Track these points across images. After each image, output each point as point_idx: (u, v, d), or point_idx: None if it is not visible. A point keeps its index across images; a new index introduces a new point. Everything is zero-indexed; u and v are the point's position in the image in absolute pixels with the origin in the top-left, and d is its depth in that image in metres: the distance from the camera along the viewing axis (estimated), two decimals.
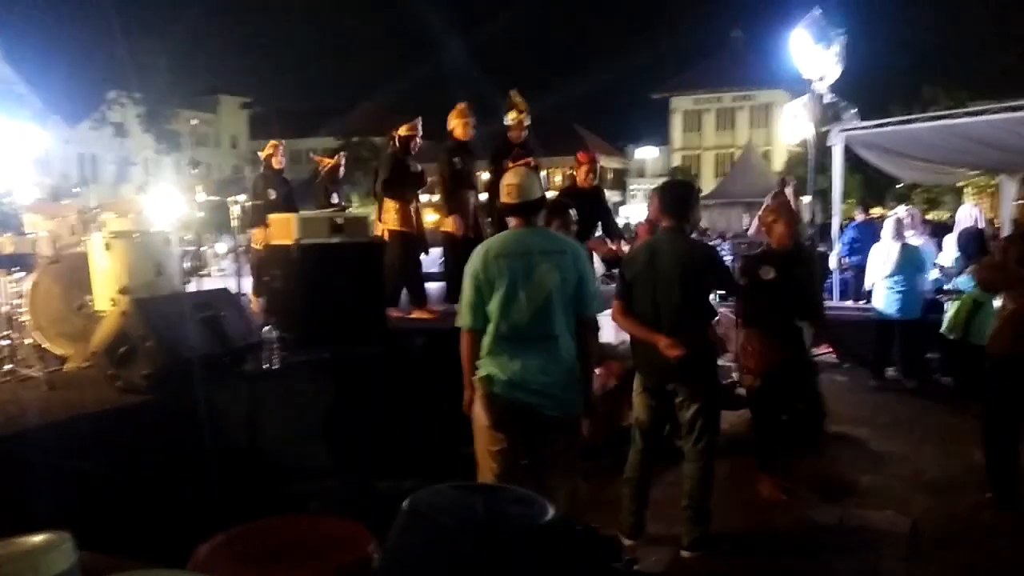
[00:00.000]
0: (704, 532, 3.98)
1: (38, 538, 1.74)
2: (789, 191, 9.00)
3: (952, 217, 9.58)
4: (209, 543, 1.80)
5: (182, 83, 38.52)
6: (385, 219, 6.49)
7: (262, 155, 8.16)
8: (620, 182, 56.35)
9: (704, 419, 3.96)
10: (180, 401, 3.65)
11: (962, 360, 7.54)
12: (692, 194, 4.22)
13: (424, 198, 7.66)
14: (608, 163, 57.35)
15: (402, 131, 6.72)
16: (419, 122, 6.91)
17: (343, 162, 8.63)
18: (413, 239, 6.54)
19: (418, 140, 6.87)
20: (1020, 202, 4.96)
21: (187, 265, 5.51)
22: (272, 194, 7.78)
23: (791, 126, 9.11)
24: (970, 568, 3.88)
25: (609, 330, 5.93)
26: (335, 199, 8.29)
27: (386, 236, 6.33)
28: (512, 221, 3.49)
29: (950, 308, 7.01)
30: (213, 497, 3.31)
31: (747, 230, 15.67)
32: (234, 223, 7.29)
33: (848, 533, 4.26)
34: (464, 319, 3.43)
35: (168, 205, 5.90)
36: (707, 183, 45.33)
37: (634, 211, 46.30)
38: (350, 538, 1.80)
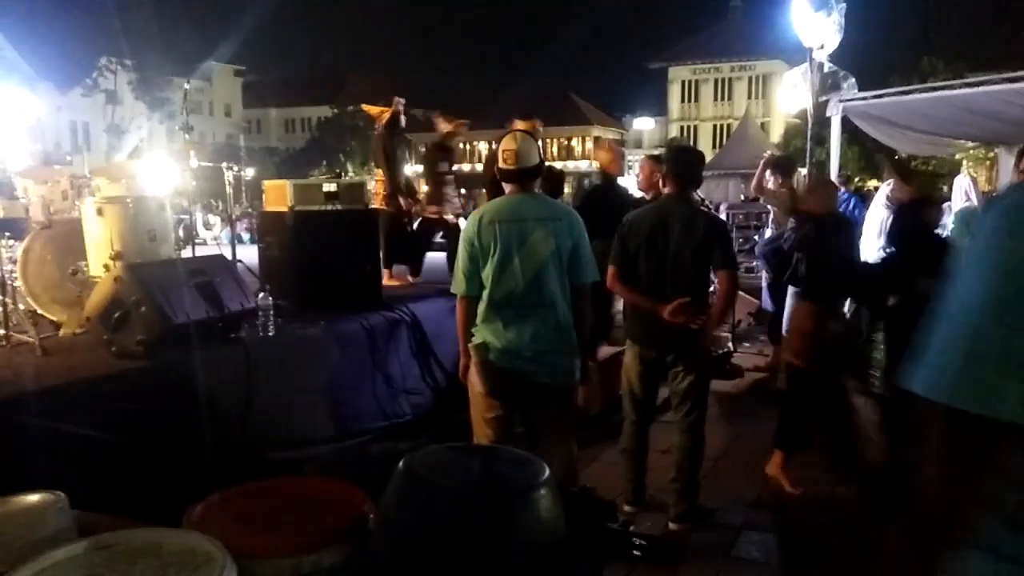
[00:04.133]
0: (691, 505, 3.98)
1: (33, 497, 1.75)
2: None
3: (949, 190, 9.55)
4: (203, 503, 1.80)
5: (175, 50, 38.05)
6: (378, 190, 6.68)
7: (387, 113, 6.99)
8: None
9: (697, 392, 3.95)
10: (174, 366, 3.64)
11: None
12: (702, 163, 4.16)
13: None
14: (605, 134, 57.07)
15: (384, 113, 6.78)
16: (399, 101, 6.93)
17: (402, 108, 7.09)
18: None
19: (402, 117, 6.91)
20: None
21: (181, 232, 5.45)
22: (443, 167, 7.13)
23: (790, 96, 9.03)
24: None
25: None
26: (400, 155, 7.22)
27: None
28: (508, 187, 3.46)
29: None
30: (207, 461, 3.32)
31: (744, 199, 15.62)
32: (228, 191, 7.20)
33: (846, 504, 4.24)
34: (459, 286, 3.42)
35: (161, 171, 5.84)
36: (705, 154, 45.17)
37: (631, 182, 46.12)
38: (345, 499, 1.80)
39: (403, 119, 7.00)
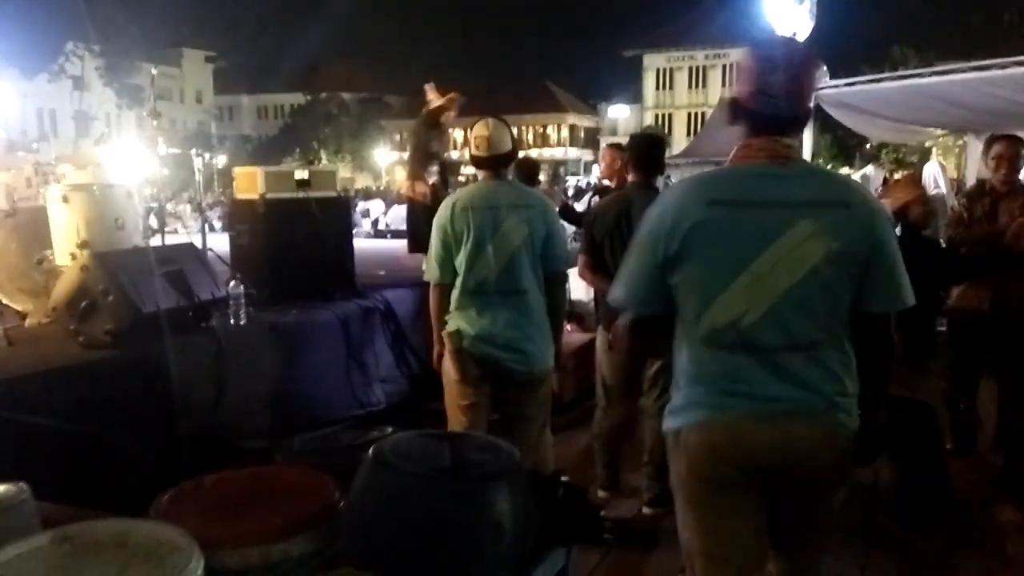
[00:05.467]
0: (663, 489, 4.02)
1: None
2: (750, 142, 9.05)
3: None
4: (171, 492, 1.78)
5: (144, 35, 37.42)
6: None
7: (437, 102, 6.75)
8: (592, 140, 56.20)
9: (668, 376, 3.97)
10: (143, 356, 3.60)
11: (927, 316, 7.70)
12: (661, 147, 4.18)
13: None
14: (580, 121, 57.13)
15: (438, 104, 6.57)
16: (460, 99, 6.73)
17: (457, 107, 6.78)
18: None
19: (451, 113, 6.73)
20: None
21: (151, 220, 5.38)
22: (435, 147, 6.88)
23: None
24: None
25: (581, 287, 5.94)
26: (435, 149, 6.91)
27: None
28: (481, 174, 3.45)
29: None
30: (177, 451, 3.29)
31: None
32: (198, 178, 7.09)
33: None
34: (432, 273, 3.41)
35: (130, 159, 5.75)
36: (679, 142, 45.39)
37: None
38: (315, 487, 1.79)
39: (451, 115, 6.78)
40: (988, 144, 4.71)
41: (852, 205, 1.91)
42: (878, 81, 8.21)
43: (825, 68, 9.04)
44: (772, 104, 1.91)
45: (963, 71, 6.98)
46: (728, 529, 1.99)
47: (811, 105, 2.07)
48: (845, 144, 30.89)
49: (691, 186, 2.08)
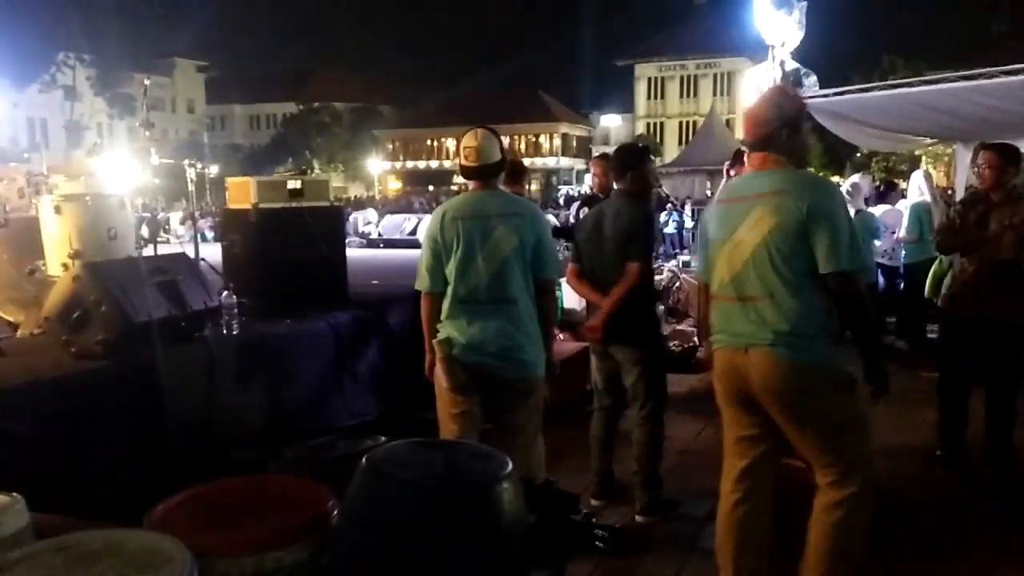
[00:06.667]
0: (653, 497, 4.03)
1: None
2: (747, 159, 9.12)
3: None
4: (165, 502, 1.79)
5: (136, 45, 37.38)
6: None
7: None
8: (584, 150, 56.35)
9: (645, 384, 3.99)
10: (136, 367, 3.59)
11: (918, 324, 7.75)
12: (633, 154, 4.20)
13: None
14: (572, 131, 57.30)
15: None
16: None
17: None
18: None
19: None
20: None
21: (143, 230, 5.37)
22: None
23: (753, 93, 9.17)
24: (917, 521, 4.02)
25: (573, 295, 5.96)
26: None
27: None
28: (471, 184, 3.47)
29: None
30: (170, 462, 3.28)
31: (711, 196, 15.79)
32: (190, 188, 7.07)
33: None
34: (423, 282, 3.43)
35: (122, 169, 5.74)
36: (671, 151, 45.59)
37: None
38: (309, 496, 1.80)
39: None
40: (977, 152, 4.76)
41: (790, 192, 2.65)
42: (868, 90, 8.27)
43: (815, 78, 9.12)
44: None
45: (952, 80, 7.04)
46: (731, 427, 2.96)
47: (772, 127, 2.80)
48: (836, 153, 31.06)
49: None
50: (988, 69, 6.61)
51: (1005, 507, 4.14)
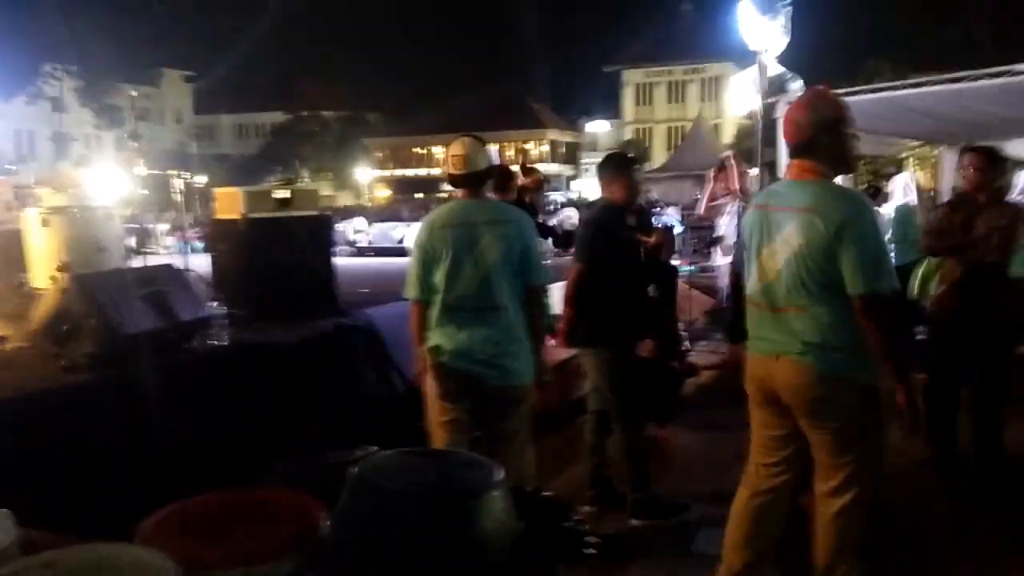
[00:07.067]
0: (640, 498, 4.02)
1: None
2: (732, 163, 9.17)
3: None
4: (154, 516, 1.78)
5: (122, 56, 37.22)
6: None
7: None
8: (572, 156, 56.46)
9: (608, 388, 4.02)
10: (125, 380, 3.58)
11: (905, 325, 7.77)
12: (612, 162, 4.23)
13: None
14: (561, 137, 57.42)
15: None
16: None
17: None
18: None
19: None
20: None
21: (130, 242, 5.35)
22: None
23: (738, 98, 9.21)
24: (904, 526, 4.01)
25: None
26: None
27: None
28: (458, 192, 3.48)
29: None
30: (159, 475, 3.26)
31: (696, 201, 15.83)
32: (178, 199, 7.05)
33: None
34: (411, 290, 3.43)
35: (109, 180, 5.72)
36: (659, 156, 45.72)
37: (586, 185, 46.52)
38: (299, 508, 1.80)
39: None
40: (962, 155, 4.79)
41: (819, 211, 2.66)
42: (853, 94, 8.32)
43: (801, 82, 9.17)
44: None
45: (936, 83, 7.08)
46: (761, 428, 2.99)
47: (810, 133, 2.76)
48: None
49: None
50: (971, 72, 6.67)
51: (993, 513, 4.15)
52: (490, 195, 3.62)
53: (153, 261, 6.00)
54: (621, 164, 4.25)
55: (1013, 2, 28.01)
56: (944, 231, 4.66)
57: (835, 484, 2.79)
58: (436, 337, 3.36)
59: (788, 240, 2.72)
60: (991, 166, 4.53)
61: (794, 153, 2.84)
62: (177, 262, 5.95)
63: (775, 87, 8.72)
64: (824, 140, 2.75)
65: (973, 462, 4.68)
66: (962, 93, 6.68)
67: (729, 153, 10.18)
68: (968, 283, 4.52)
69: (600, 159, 4.48)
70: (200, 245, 14.44)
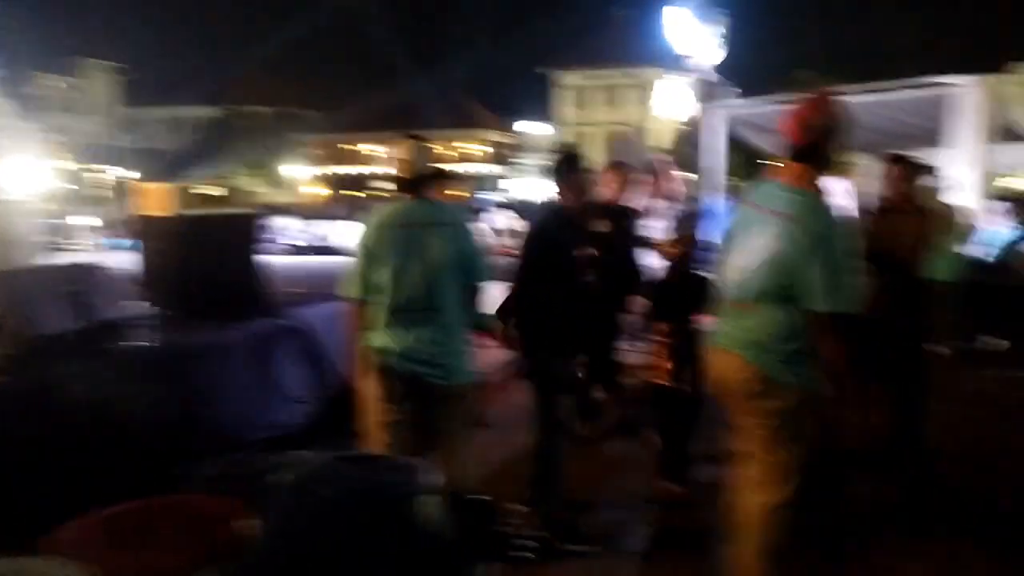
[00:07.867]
0: (552, 505, 3.83)
1: None
2: (664, 168, 9.35)
3: None
4: (72, 525, 1.71)
5: (46, 45, 35.80)
6: None
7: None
8: (504, 156, 56.56)
9: (538, 398, 3.91)
10: (42, 382, 3.43)
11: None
12: (564, 163, 4.15)
13: None
14: (503, 138, 57.51)
15: None
16: None
17: None
18: None
19: None
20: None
21: (50, 238, 5.14)
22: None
23: (665, 103, 9.39)
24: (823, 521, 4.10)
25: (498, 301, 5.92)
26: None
27: None
28: (403, 195, 3.47)
29: None
30: (76, 481, 3.13)
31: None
32: (109, 194, 6.79)
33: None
34: (351, 289, 3.40)
35: (26, 173, 5.48)
36: (598, 160, 46.12)
37: (518, 185, 46.81)
38: (223, 515, 1.74)
39: None
40: (890, 162, 4.95)
41: (799, 222, 2.75)
42: (785, 103, 8.55)
43: (738, 91, 9.39)
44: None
45: (857, 93, 7.33)
46: (732, 416, 3.03)
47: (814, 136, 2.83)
48: (757, 164, 32.00)
49: None
50: (893, 83, 6.93)
51: (913, 507, 4.29)
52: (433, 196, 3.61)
53: (77, 258, 5.79)
54: (572, 164, 4.20)
55: (936, 20, 29.36)
56: (872, 237, 4.82)
57: (760, 479, 2.88)
58: (381, 338, 3.33)
59: (765, 243, 2.80)
60: (912, 175, 4.70)
61: (793, 155, 2.87)
62: (103, 259, 5.74)
63: (714, 94, 8.92)
64: (823, 147, 2.84)
65: (892, 456, 4.83)
66: (885, 104, 6.94)
67: (658, 157, 10.35)
68: (889, 289, 4.67)
69: (548, 160, 4.46)
70: (128, 242, 14.02)
